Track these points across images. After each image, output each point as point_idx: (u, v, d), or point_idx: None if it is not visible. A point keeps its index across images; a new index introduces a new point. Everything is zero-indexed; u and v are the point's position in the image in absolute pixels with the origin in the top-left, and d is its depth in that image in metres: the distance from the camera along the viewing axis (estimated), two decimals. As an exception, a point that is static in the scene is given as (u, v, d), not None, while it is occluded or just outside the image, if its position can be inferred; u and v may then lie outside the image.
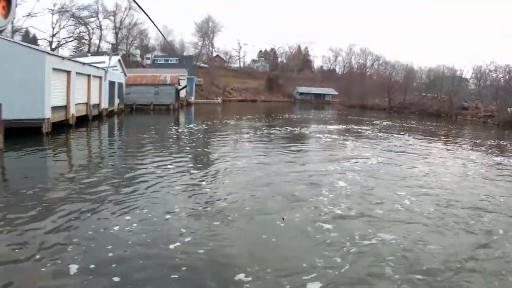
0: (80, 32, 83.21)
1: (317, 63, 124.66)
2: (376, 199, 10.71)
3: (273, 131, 24.90)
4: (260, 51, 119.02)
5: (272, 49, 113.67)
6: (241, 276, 5.45)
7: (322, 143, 21.13)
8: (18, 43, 25.77)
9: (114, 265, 6.25)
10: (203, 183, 11.25)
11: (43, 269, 6.12)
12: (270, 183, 11.31)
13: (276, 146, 18.76)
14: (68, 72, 27.03)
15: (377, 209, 9.81)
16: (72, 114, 27.32)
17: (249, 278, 5.39)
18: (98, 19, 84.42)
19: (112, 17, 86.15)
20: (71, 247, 6.90)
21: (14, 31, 67.91)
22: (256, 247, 6.66)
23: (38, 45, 57.30)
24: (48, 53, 25.72)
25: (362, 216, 9.17)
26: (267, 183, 11.33)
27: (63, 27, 77.56)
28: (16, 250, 6.86)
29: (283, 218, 7.98)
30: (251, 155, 15.61)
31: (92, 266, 6.15)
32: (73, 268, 6.03)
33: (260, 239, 7.04)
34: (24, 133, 20.85)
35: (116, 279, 5.67)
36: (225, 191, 10.34)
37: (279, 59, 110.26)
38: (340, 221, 8.65)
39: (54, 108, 23.95)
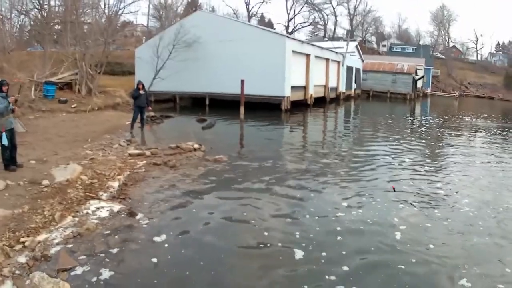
0: (315, 18, 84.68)
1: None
2: None
3: (509, 132, 21.40)
4: (498, 44, 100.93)
5: (511, 42, 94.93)
6: (463, 281, 4.99)
7: None
8: (262, 28, 28.12)
9: (342, 251, 5.63)
10: (433, 178, 10.16)
11: (268, 247, 5.72)
12: (495, 188, 9.62)
13: (510, 148, 16.24)
14: (307, 55, 27.57)
15: None
16: (311, 94, 27.81)
17: (469, 284, 4.92)
18: (332, 5, 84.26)
19: (345, 4, 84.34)
20: (297, 230, 6.33)
21: (251, 16, 74.77)
22: (471, 251, 5.97)
23: (274, 29, 61.27)
24: (288, 37, 26.98)
25: None
26: (493, 187, 9.65)
27: (297, 13, 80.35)
28: (245, 214, 6.91)
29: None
30: (484, 154, 14.28)
31: (323, 253, 5.56)
32: (299, 254, 5.49)
33: (474, 245, 6.20)
34: (264, 108, 22.22)
35: (345, 268, 5.19)
36: (452, 190, 9.16)
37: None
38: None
39: (293, 88, 24.67)
